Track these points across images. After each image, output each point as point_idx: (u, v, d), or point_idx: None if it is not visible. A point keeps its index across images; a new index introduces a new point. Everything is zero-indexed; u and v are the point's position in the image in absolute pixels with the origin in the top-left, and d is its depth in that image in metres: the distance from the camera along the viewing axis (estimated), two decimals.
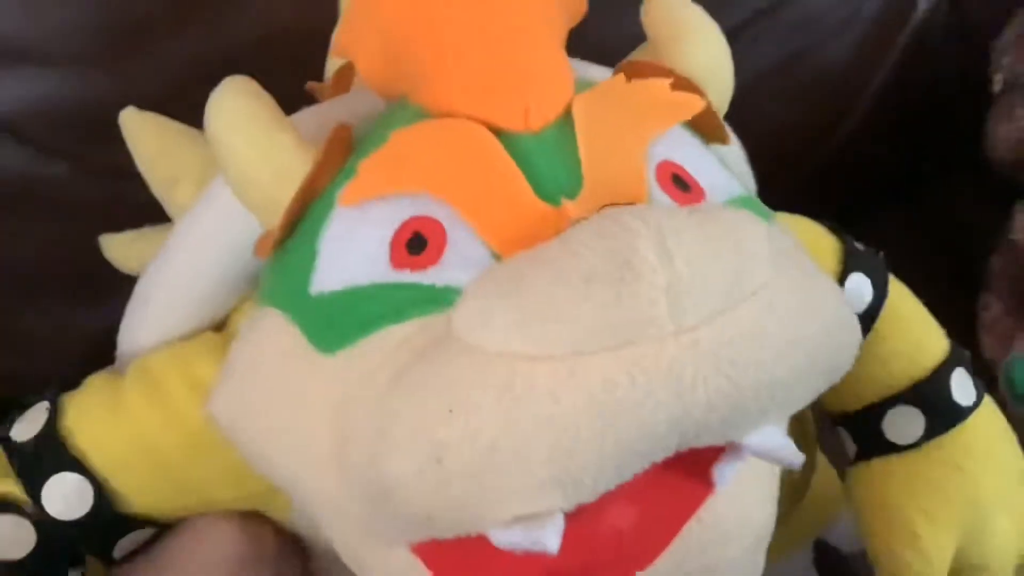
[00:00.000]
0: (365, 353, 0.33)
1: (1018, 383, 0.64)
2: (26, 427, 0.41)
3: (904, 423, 0.47)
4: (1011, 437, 0.49)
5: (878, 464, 0.48)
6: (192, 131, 0.45)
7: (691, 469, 0.33)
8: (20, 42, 0.58)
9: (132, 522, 0.41)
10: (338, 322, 0.34)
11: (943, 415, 0.47)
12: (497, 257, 0.33)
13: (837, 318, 0.34)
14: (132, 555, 0.42)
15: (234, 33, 0.59)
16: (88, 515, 0.40)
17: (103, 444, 0.40)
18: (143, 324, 0.43)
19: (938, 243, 0.80)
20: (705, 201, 0.37)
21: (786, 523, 0.52)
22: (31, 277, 0.62)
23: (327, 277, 0.35)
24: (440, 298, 0.33)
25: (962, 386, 0.47)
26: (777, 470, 0.37)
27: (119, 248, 0.51)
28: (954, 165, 0.82)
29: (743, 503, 0.35)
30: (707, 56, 0.40)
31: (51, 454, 0.40)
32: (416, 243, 0.34)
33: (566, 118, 0.35)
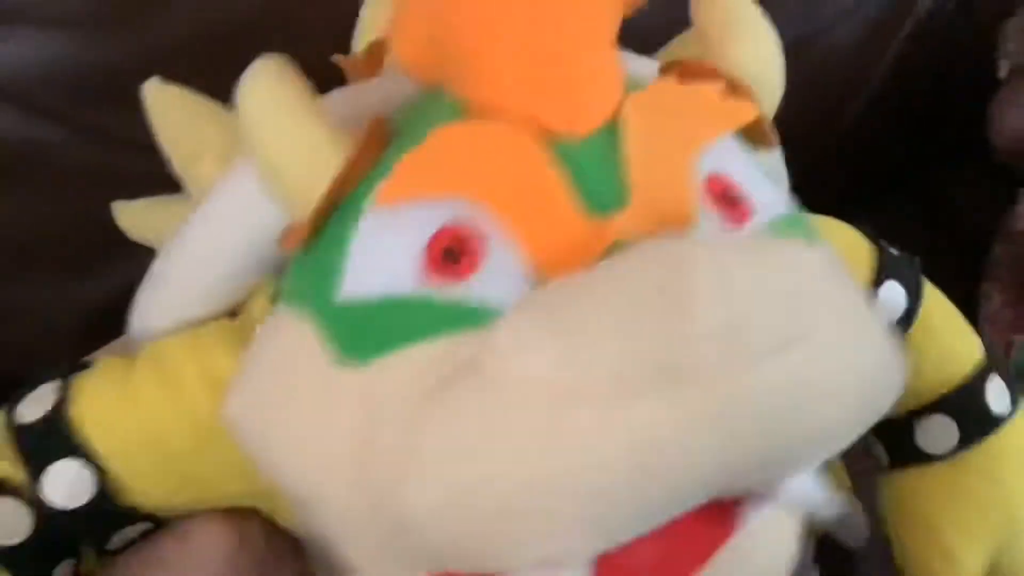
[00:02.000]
0: (392, 370, 0.32)
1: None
2: (34, 407, 0.39)
3: (937, 433, 0.46)
4: None
5: (911, 474, 0.47)
6: (215, 106, 0.44)
7: (717, 509, 0.32)
8: (16, 3, 0.57)
9: (132, 515, 0.40)
10: (365, 334, 0.33)
11: (977, 424, 0.46)
12: (537, 272, 0.32)
13: (883, 359, 0.33)
14: (125, 549, 0.41)
15: None
16: (88, 505, 0.39)
17: (111, 430, 0.39)
18: (158, 305, 0.42)
19: (941, 230, 0.80)
20: (753, 220, 0.35)
21: None
22: (27, 245, 0.61)
23: (356, 283, 0.34)
24: (474, 316, 0.32)
25: (997, 394, 0.46)
26: None
27: (133, 216, 0.50)
28: (959, 152, 0.82)
29: (767, 542, 0.34)
30: (760, 58, 0.39)
31: (56, 438, 0.39)
32: (452, 253, 0.33)
33: (614, 122, 0.34)
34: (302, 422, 0.34)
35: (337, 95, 0.41)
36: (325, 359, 0.33)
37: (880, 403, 0.33)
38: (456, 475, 0.29)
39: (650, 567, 0.32)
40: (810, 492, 0.32)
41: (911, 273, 0.47)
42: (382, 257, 0.34)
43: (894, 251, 0.48)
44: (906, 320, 0.46)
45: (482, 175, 0.33)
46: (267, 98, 0.35)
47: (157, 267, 0.43)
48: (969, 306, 0.71)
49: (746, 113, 0.36)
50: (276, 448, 0.35)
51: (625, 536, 0.30)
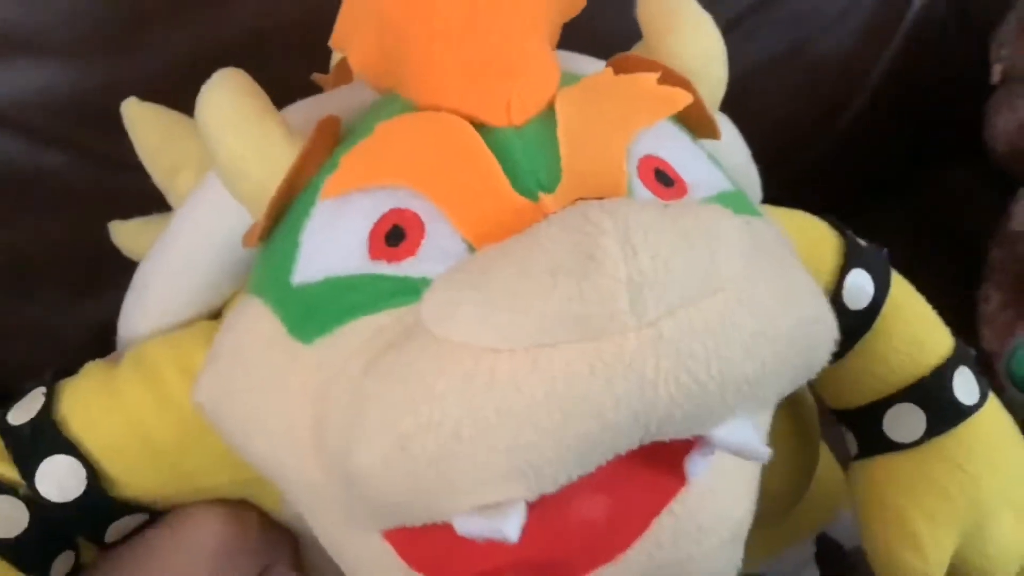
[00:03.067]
0: (341, 342, 0.34)
1: (1019, 368, 0.64)
2: (22, 411, 0.41)
3: (905, 421, 0.47)
4: (1017, 436, 0.48)
5: (878, 462, 0.48)
6: (193, 121, 0.45)
7: (662, 462, 0.34)
8: (19, 31, 0.58)
9: (125, 507, 0.41)
10: (316, 312, 0.35)
11: (945, 414, 0.46)
12: (473, 250, 0.34)
13: (812, 314, 0.34)
14: (123, 541, 0.42)
15: (235, 23, 0.59)
16: (81, 498, 0.40)
17: (97, 428, 0.40)
18: (140, 312, 0.44)
19: (938, 234, 0.81)
20: (686, 197, 0.37)
21: (788, 517, 0.52)
22: (30, 268, 0.63)
23: (307, 268, 0.36)
24: (415, 289, 0.33)
25: (965, 385, 0.47)
26: (757, 468, 0.37)
27: (127, 235, 0.52)
28: (954, 156, 0.82)
29: (718, 497, 0.35)
30: (698, 49, 0.40)
31: (45, 437, 0.40)
32: (394, 235, 0.35)
33: (549, 112, 0.36)
34: (263, 400, 0.35)
35: (300, 104, 0.43)
36: (282, 339, 0.35)
37: (811, 355, 0.34)
38: (395, 427, 0.31)
39: (600, 522, 0.34)
40: (744, 438, 0.33)
41: (879, 263, 0.47)
42: (331, 243, 0.36)
43: (862, 242, 0.48)
44: (874, 308, 0.47)
45: (421, 164, 0.35)
46: (223, 103, 0.37)
47: (138, 274, 0.45)
48: (967, 308, 0.72)
49: (681, 100, 0.38)
50: (242, 427, 0.36)
51: (555, 480, 0.31)
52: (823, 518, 0.59)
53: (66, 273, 0.63)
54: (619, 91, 0.37)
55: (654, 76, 0.37)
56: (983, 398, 0.47)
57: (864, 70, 0.81)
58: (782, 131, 0.77)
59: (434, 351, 0.31)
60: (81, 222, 0.56)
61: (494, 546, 0.32)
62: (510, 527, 0.31)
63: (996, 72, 0.75)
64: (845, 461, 0.51)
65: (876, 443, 0.48)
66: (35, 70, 0.59)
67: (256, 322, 0.37)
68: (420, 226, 0.35)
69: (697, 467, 0.34)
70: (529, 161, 0.35)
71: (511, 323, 0.30)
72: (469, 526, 0.31)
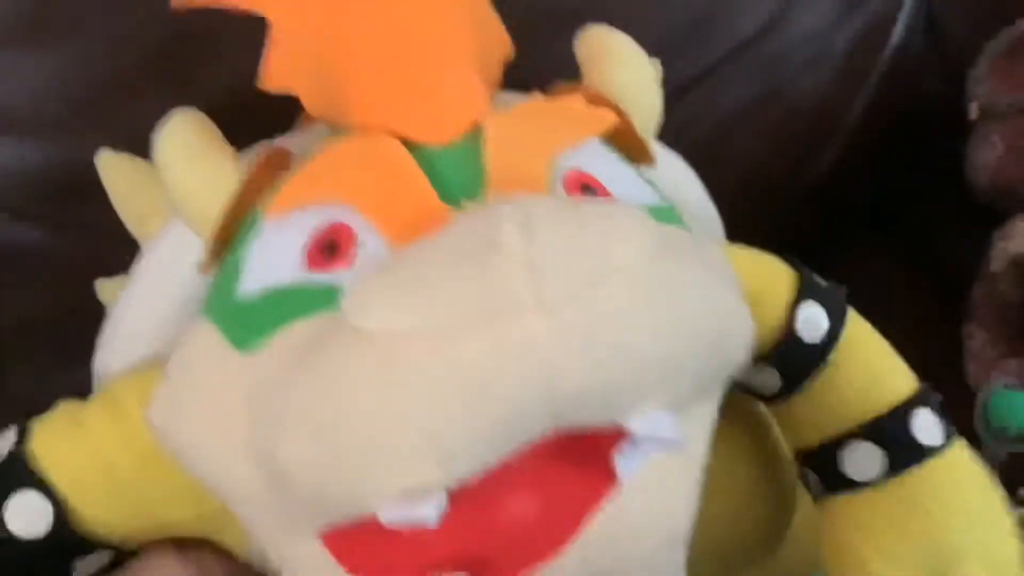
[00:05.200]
0: (275, 347, 0.35)
1: (994, 416, 0.63)
2: None
3: (862, 459, 0.46)
4: (987, 484, 0.47)
5: (838, 501, 0.47)
6: None
7: (592, 462, 0.34)
8: None
9: (90, 544, 0.41)
10: (253, 321, 0.36)
11: (903, 453, 0.46)
12: None
13: (723, 304, 0.36)
14: None
15: (204, 91, 0.58)
16: (48, 534, 0.40)
17: (64, 462, 0.41)
18: (112, 349, 0.45)
19: (921, 272, 0.80)
20: None
21: (767, 565, 0.52)
22: (13, 341, 0.63)
23: (249, 282, 0.38)
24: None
25: (926, 426, 0.46)
26: (696, 468, 0.37)
27: (112, 291, 0.52)
28: (932, 194, 0.82)
29: (652, 498, 0.36)
30: (629, 76, 0.43)
31: (15, 473, 0.40)
32: (329, 247, 0.37)
33: (477, 132, 0.38)
34: (207, 413, 0.37)
35: (257, 145, 0.45)
36: (222, 351, 0.37)
37: (723, 345, 0.36)
38: (313, 416, 0.32)
39: (530, 521, 0.34)
40: (659, 429, 0.34)
41: (834, 299, 0.47)
42: (271, 257, 0.38)
43: (819, 279, 0.48)
44: (828, 342, 0.46)
45: (353, 181, 0.37)
46: (176, 137, 0.40)
47: (110, 314, 0.46)
48: (952, 344, 0.72)
49: (608, 119, 0.40)
50: (190, 442, 0.37)
51: (470, 464, 0.32)
52: (806, 566, 0.57)
53: (44, 346, 0.63)
54: (548, 113, 0.40)
55: (581, 98, 0.39)
56: (948, 441, 0.46)
57: (841, 111, 0.81)
58: (759, 176, 0.77)
59: (351, 341, 0.32)
60: (63, 293, 0.57)
61: (424, 544, 0.33)
62: (429, 512, 0.32)
63: (973, 109, 0.75)
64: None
65: (836, 482, 0.47)
66: (6, 147, 0.59)
67: (200, 339, 0.38)
68: (352, 238, 0.36)
69: (628, 465, 0.34)
70: (456, 174, 0.37)
71: (418, 307, 0.32)
72: (391, 513, 0.32)
